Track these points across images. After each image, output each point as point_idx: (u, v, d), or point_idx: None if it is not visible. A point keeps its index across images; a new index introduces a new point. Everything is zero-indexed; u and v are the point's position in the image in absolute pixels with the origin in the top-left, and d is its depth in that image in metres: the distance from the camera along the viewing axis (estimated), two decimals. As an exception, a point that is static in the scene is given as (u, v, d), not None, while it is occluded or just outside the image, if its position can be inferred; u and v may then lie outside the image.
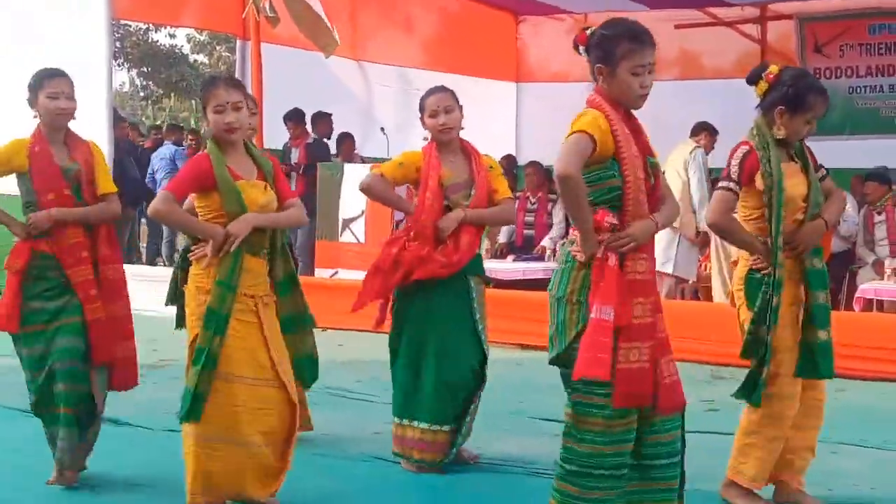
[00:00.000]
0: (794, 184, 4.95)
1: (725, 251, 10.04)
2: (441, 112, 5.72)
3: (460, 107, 5.81)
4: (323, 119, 13.42)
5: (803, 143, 5.10)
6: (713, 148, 10.77)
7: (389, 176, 5.84)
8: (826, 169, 5.19)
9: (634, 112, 4.26)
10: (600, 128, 4.07)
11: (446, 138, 5.76)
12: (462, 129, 5.82)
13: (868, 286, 10.22)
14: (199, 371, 4.67)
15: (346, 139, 13.41)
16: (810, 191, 4.99)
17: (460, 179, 5.74)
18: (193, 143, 15.32)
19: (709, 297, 10.87)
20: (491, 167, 5.86)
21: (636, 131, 4.22)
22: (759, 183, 4.92)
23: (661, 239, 10.38)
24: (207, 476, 4.71)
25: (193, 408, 4.69)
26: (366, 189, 5.93)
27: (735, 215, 5.06)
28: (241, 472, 4.77)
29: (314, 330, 5.28)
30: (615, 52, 4.18)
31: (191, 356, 4.75)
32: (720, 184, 5.03)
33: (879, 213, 11.06)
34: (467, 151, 5.83)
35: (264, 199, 4.87)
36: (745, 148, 5.00)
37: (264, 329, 4.85)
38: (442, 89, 5.83)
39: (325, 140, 13.41)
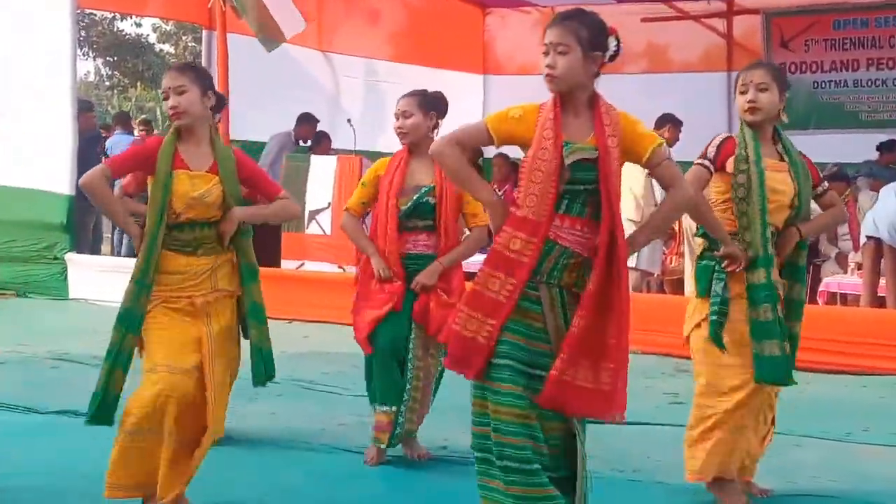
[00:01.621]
0: (773, 178, 4.92)
1: (692, 245, 10.08)
2: (399, 116, 5.70)
3: (430, 113, 5.70)
4: (308, 122, 13.37)
5: (802, 155, 5.10)
6: (678, 139, 10.80)
7: (355, 206, 5.79)
8: (827, 186, 5.20)
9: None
10: (510, 116, 4.04)
11: (401, 141, 5.75)
12: (431, 133, 5.70)
13: (832, 280, 10.30)
14: (107, 371, 4.60)
15: (324, 139, 13.38)
16: (798, 196, 4.95)
17: (415, 183, 5.66)
18: (144, 131, 15.14)
19: (676, 290, 10.91)
20: None
21: (574, 115, 4.04)
22: (729, 166, 4.94)
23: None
24: (126, 466, 4.63)
25: (100, 412, 4.63)
26: (343, 229, 5.89)
27: None
28: (155, 465, 4.63)
29: (266, 325, 5.10)
30: None
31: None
32: (696, 161, 5.01)
33: (841, 210, 11.16)
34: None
35: (197, 192, 4.67)
36: (726, 135, 5.08)
37: (202, 325, 4.71)
38: (409, 94, 5.77)
39: (299, 142, 13.36)
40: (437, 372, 5.78)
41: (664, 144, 4.04)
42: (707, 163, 4.99)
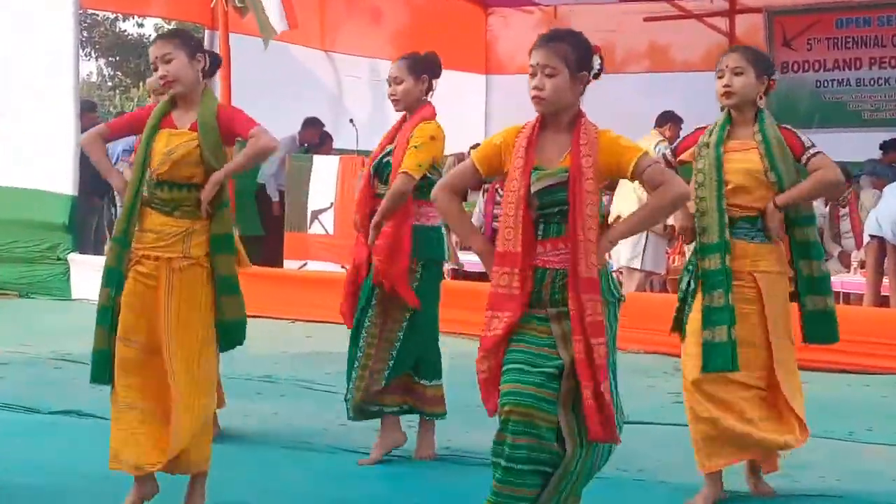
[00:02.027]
0: (734, 159, 4.89)
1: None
2: (391, 82, 5.69)
3: (422, 76, 5.66)
4: (313, 126, 13.38)
5: (784, 129, 4.98)
6: (679, 137, 10.77)
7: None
8: (815, 151, 5.02)
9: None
10: (492, 143, 4.13)
11: (395, 108, 5.73)
12: (424, 99, 5.70)
13: (834, 279, 10.26)
14: (98, 331, 4.61)
15: (326, 139, 13.41)
16: (774, 172, 4.87)
17: (385, 147, 5.69)
18: None
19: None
20: (414, 137, 5.56)
21: (554, 134, 4.06)
22: (686, 156, 5.04)
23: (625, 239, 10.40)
24: (113, 443, 4.64)
25: (97, 370, 4.63)
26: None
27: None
28: (136, 441, 4.61)
29: (236, 294, 4.83)
30: None
31: None
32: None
33: (843, 207, 11.17)
34: (412, 119, 5.67)
35: (167, 146, 4.62)
36: (699, 126, 5.12)
37: (162, 294, 4.61)
38: (400, 58, 5.76)
39: (304, 145, 13.37)
40: (398, 337, 5.64)
41: (647, 154, 4.02)
42: (668, 154, 5.14)
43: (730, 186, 4.87)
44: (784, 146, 4.92)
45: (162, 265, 4.61)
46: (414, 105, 5.65)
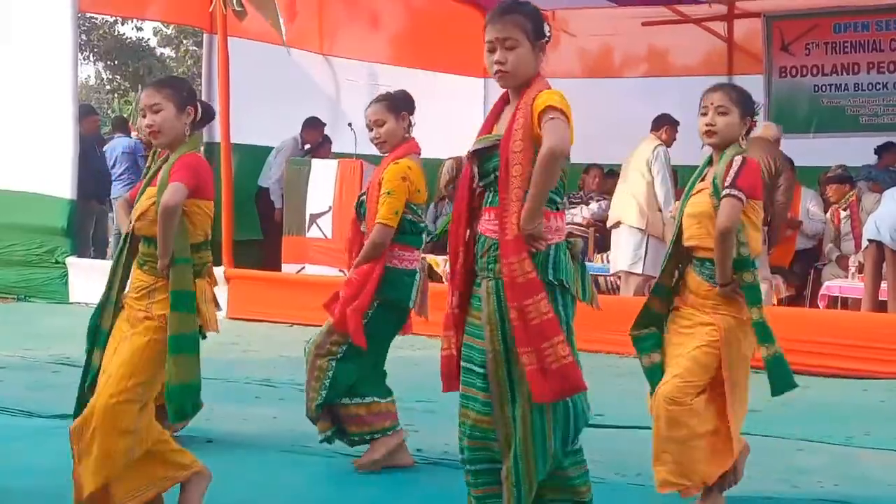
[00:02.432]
0: (694, 203, 4.83)
1: None
2: (373, 126, 5.66)
3: (402, 114, 5.63)
4: (314, 127, 13.39)
5: (733, 161, 4.73)
6: (675, 139, 10.77)
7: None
8: (729, 190, 4.66)
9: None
10: None
11: (381, 150, 5.70)
12: (407, 136, 5.68)
13: (833, 283, 10.30)
14: (80, 381, 4.70)
15: (325, 143, 13.41)
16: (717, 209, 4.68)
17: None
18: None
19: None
20: (385, 182, 5.55)
21: (510, 110, 4.08)
22: None
23: (630, 240, 10.40)
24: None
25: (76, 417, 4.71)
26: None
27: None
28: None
29: (189, 354, 4.57)
30: None
31: None
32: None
33: (845, 210, 11.19)
34: (386, 158, 5.67)
35: (139, 209, 4.61)
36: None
37: (119, 339, 4.57)
38: (375, 101, 5.72)
39: (306, 146, 13.39)
40: (331, 366, 5.69)
41: (552, 109, 3.88)
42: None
43: (689, 232, 4.82)
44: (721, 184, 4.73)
45: (130, 313, 4.59)
46: (399, 145, 5.63)
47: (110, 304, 4.60)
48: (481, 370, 4.05)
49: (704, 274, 4.78)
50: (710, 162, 4.92)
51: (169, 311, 4.50)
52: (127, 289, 4.66)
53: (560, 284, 3.99)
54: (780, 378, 4.78)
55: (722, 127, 4.79)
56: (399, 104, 5.67)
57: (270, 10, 11.91)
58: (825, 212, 11.57)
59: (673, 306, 4.90)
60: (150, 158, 4.85)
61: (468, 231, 4.11)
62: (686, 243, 4.84)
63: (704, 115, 4.84)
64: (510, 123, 3.97)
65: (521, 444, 3.97)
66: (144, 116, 4.64)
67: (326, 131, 13.58)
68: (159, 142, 4.66)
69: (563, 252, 4.01)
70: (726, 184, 4.66)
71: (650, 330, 4.91)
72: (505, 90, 4.15)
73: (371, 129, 5.67)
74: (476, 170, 4.05)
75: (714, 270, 4.72)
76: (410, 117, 5.70)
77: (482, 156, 4.02)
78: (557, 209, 4.05)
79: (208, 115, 4.82)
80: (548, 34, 4.09)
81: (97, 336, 4.62)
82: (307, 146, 13.43)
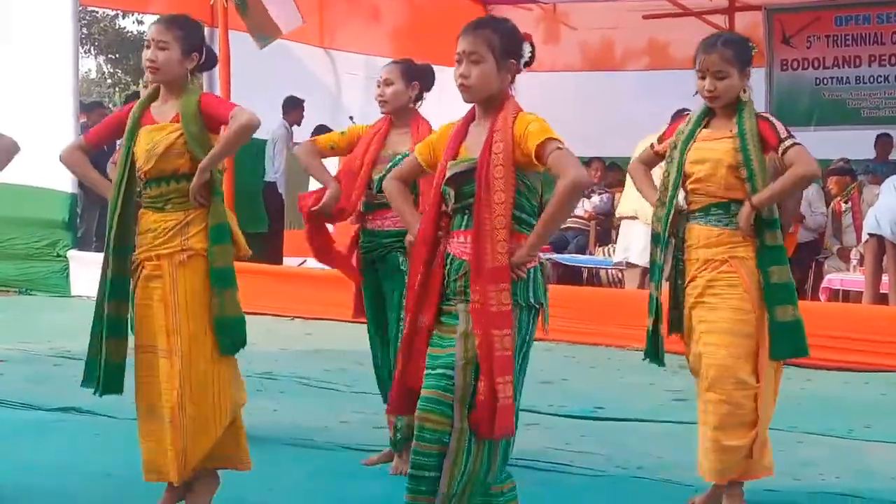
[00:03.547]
0: (702, 148, 4.75)
1: None
2: (381, 84, 5.60)
3: (413, 83, 5.59)
4: (295, 107, 13.40)
5: (762, 120, 4.75)
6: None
7: (323, 143, 5.67)
8: (794, 139, 4.72)
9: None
10: (429, 138, 4.24)
11: (382, 110, 5.61)
12: (413, 104, 5.63)
13: (834, 276, 10.30)
14: (91, 335, 4.56)
15: (325, 133, 13.39)
16: (747, 167, 4.64)
17: (391, 153, 5.51)
18: None
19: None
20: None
21: (480, 131, 3.98)
22: (665, 146, 4.93)
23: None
24: (148, 454, 4.58)
25: (88, 374, 4.59)
26: (296, 155, 5.82)
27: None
28: (162, 450, 4.55)
29: (231, 288, 4.61)
30: None
31: None
32: None
33: (846, 202, 11.19)
34: (414, 126, 5.58)
35: (149, 143, 4.51)
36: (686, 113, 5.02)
37: (168, 291, 4.49)
38: (393, 62, 5.72)
39: (293, 127, 13.42)
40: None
41: (553, 139, 3.83)
42: (655, 144, 5.03)
43: (699, 175, 4.74)
44: (757, 139, 4.70)
45: (164, 262, 4.52)
46: (403, 111, 5.57)
47: (114, 252, 4.53)
48: (445, 371, 3.90)
49: (711, 221, 4.73)
50: (707, 113, 4.85)
51: (211, 244, 4.53)
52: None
53: (537, 306, 3.95)
54: (796, 341, 4.72)
55: (723, 90, 4.73)
56: (414, 73, 5.64)
57: (264, 14, 11.90)
58: (827, 205, 11.57)
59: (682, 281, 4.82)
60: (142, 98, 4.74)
61: (434, 252, 4.00)
62: (692, 185, 4.75)
63: (703, 78, 4.78)
64: (486, 146, 3.88)
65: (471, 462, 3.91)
66: (148, 48, 4.59)
67: (328, 124, 13.57)
68: (155, 78, 4.61)
69: (540, 273, 3.97)
70: (782, 135, 4.68)
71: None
72: (470, 110, 4.06)
73: (378, 86, 5.61)
74: (450, 193, 3.94)
75: (721, 214, 4.70)
76: (423, 91, 5.66)
77: (459, 179, 3.92)
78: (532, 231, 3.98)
79: (210, 61, 4.81)
80: (525, 56, 3.99)
81: (117, 285, 4.53)
82: (294, 126, 13.44)
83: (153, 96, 4.69)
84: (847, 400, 7.51)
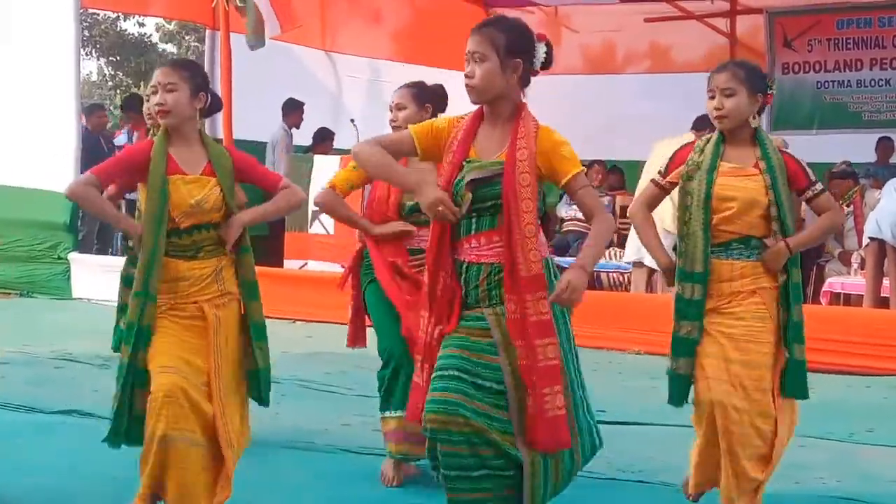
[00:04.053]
0: (727, 185, 4.59)
1: None
2: (393, 108, 5.53)
3: (426, 105, 5.49)
4: (294, 109, 13.39)
5: (788, 157, 4.71)
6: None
7: (342, 186, 5.37)
8: (821, 185, 4.72)
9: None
10: (435, 126, 4.05)
11: None
12: None
13: (835, 280, 10.29)
14: (120, 389, 4.46)
15: (327, 138, 13.36)
16: (777, 205, 4.56)
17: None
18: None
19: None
20: None
21: (493, 127, 3.96)
22: (674, 176, 4.74)
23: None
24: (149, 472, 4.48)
25: (114, 429, 4.49)
26: (318, 205, 5.66)
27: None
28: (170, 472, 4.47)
29: (267, 343, 4.74)
30: None
31: None
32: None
33: (848, 206, 11.19)
34: None
35: (194, 199, 4.47)
36: (686, 142, 4.84)
37: (212, 332, 4.50)
38: (405, 86, 5.60)
39: (292, 129, 13.42)
40: None
41: (584, 172, 3.91)
42: (658, 178, 4.80)
43: (728, 213, 4.58)
44: (785, 175, 4.63)
45: (204, 307, 4.52)
46: None
47: (150, 300, 4.46)
48: (493, 385, 3.86)
49: (733, 255, 4.59)
50: (722, 140, 4.69)
51: (248, 300, 4.64)
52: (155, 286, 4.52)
53: None
54: (805, 382, 4.68)
55: (731, 109, 4.61)
56: (426, 95, 5.57)
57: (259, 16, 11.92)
58: (828, 208, 11.56)
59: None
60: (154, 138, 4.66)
61: (445, 253, 3.94)
62: (723, 227, 4.59)
63: (712, 98, 4.67)
64: (511, 153, 3.84)
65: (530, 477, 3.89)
66: (155, 93, 4.52)
67: (329, 127, 13.58)
68: (166, 122, 4.52)
69: (552, 264, 3.99)
70: (812, 179, 4.67)
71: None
72: (478, 110, 4.01)
73: (391, 111, 5.55)
74: (468, 197, 3.85)
75: (742, 249, 4.58)
76: (437, 112, 5.55)
77: (479, 183, 3.86)
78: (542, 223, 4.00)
79: (216, 105, 4.74)
80: (540, 57, 3.94)
81: (141, 335, 4.45)
82: (294, 129, 13.44)
83: (166, 141, 4.56)
84: (848, 404, 7.51)
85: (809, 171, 4.71)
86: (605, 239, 4.00)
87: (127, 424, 4.49)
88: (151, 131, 5.39)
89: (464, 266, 3.91)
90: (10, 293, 12.11)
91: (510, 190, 3.81)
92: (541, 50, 3.95)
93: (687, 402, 4.75)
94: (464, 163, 3.91)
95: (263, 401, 4.74)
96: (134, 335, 4.44)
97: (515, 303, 3.80)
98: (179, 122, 4.54)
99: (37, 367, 8.07)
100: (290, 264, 11.67)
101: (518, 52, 3.91)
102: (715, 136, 4.72)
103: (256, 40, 12.13)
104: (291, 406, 6.78)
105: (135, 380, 4.46)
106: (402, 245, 5.32)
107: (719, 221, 4.60)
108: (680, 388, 4.78)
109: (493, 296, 3.88)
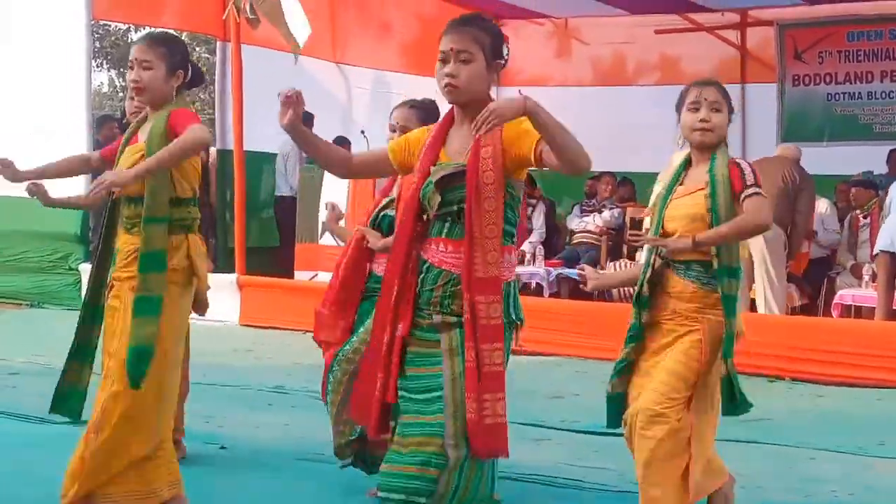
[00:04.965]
0: (679, 205, 4.52)
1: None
2: (399, 130, 5.34)
3: (428, 126, 5.46)
4: (305, 122, 13.37)
5: (733, 165, 4.50)
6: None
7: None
8: (756, 189, 4.44)
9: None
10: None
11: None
12: None
13: (846, 292, 10.27)
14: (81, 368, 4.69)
15: (342, 146, 13.42)
16: (712, 213, 4.41)
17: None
18: None
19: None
20: None
21: (461, 134, 3.86)
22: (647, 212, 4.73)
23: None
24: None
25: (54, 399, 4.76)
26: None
27: None
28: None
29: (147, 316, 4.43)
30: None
31: None
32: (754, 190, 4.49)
33: (865, 217, 11.17)
34: None
35: (128, 161, 4.47)
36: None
37: (121, 316, 4.49)
38: (406, 106, 5.49)
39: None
40: None
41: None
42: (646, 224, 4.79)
43: (676, 234, 4.47)
44: (728, 187, 4.46)
45: (121, 286, 4.52)
46: None
47: (96, 271, 4.59)
48: (424, 396, 3.77)
49: (691, 276, 4.45)
50: (687, 163, 4.66)
51: (139, 272, 4.41)
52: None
53: (518, 322, 3.87)
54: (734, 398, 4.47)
55: (718, 124, 4.55)
56: (428, 116, 5.52)
57: (280, 20, 11.90)
58: (844, 218, 11.53)
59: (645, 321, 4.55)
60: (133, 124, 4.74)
61: (409, 259, 3.83)
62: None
63: (696, 110, 4.60)
64: (475, 151, 3.74)
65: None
66: (132, 68, 4.54)
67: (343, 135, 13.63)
68: (141, 98, 4.57)
69: (516, 289, 3.88)
70: (748, 182, 4.43)
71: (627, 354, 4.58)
72: (448, 114, 3.94)
73: (394, 131, 5.41)
74: (434, 198, 3.76)
75: (701, 272, 4.43)
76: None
77: (443, 185, 3.76)
78: (512, 243, 3.89)
79: (197, 78, 4.71)
80: (505, 58, 3.91)
81: (97, 314, 4.62)
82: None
83: (146, 117, 4.65)
84: (859, 416, 7.49)
85: (749, 176, 4.46)
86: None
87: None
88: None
89: (425, 265, 3.82)
90: (21, 304, 12.15)
91: (473, 190, 3.70)
92: (505, 52, 3.94)
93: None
94: (432, 167, 3.82)
95: (132, 381, 4.42)
96: (92, 313, 4.78)
97: (468, 303, 3.68)
98: (153, 100, 4.55)
99: (48, 377, 8.01)
100: (301, 275, 11.67)
101: (499, 53, 3.87)
102: (680, 162, 4.67)
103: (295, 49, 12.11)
104: (302, 417, 6.79)
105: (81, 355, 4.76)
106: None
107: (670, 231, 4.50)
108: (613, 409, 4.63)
109: (444, 304, 3.77)
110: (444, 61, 3.83)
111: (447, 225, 3.81)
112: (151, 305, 4.41)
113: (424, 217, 3.85)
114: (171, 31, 4.78)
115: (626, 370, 4.56)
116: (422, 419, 3.75)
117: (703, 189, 4.48)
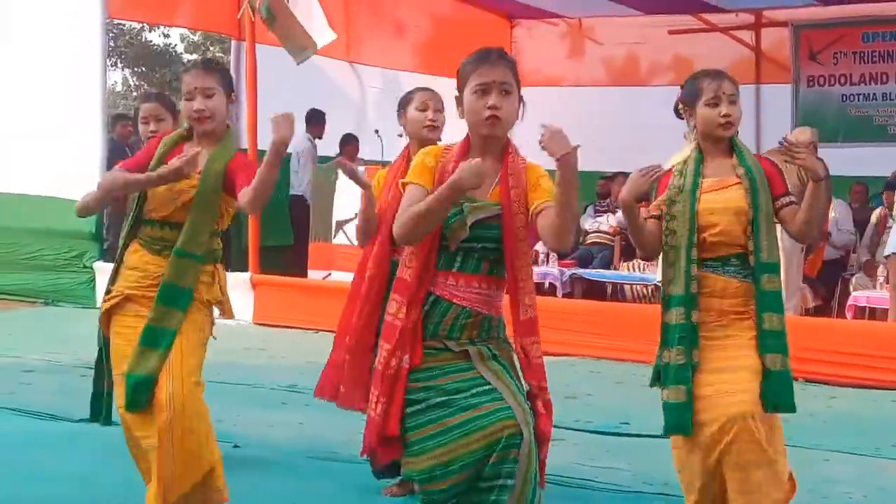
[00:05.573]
0: (713, 201, 4.42)
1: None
2: (432, 110, 5.33)
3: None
4: (318, 120, 13.45)
5: (765, 161, 4.52)
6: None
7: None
8: (793, 197, 4.46)
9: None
10: (426, 165, 3.80)
11: (432, 135, 5.28)
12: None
13: (860, 294, 10.24)
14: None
15: (351, 142, 13.43)
16: (753, 213, 4.35)
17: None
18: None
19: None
20: None
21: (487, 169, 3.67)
22: (653, 207, 4.57)
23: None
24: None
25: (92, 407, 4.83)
26: None
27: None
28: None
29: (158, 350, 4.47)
30: (462, 75, 3.81)
31: None
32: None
33: (893, 218, 11.11)
34: None
35: (172, 188, 4.40)
36: (662, 172, 4.53)
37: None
38: (430, 90, 5.47)
39: (316, 140, 13.49)
40: None
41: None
42: (645, 212, 4.61)
43: (716, 230, 4.39)
44: (765, 179, 4.41)
45: (143, 310, 4.50)
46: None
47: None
48: (474, 391, 3.69)
49: (729, 272, 4.39)
50: (701, 157, 4.54)
51: (158, 303, 4.40)
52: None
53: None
54: (783, 393, 4.39)
55: (738, 117, 4.51)
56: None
57: (296, 27, 11.91)
58: (861, 220, 11.47)
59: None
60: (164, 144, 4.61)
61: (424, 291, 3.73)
62: (711, 239, 4.39)
63: (715, 105, 4.53)
64: (506, 193, 3.69)
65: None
66: (191, 99, 4.42)
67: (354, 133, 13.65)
68: (207, 128, 4.45)
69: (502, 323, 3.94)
70: (788, 189, 4.46)
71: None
72: (464, 142, 3.82)
73: (425, 110, 5.30)
74: (462, 233, 3.66)
75: (738, 267, 4.36)
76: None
77: (477, 222, 3.70)
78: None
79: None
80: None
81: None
82: (317, 140, 13.51)
83: (186, 136, 4.56)
84: (874, 418, 7.47)
85: (786, 180, 4.50)
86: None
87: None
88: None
89: (431, 298, 3.74)
90: (35, 302, 12.18)
91: (510, 233, 3.69)
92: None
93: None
94: (464, 204, 3.68)
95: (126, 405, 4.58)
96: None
97: (518, 343, 3.81)
98: (219, 126, 4.49)
99: (62, 375, 8.10)
100: (314, 275, 11.69)
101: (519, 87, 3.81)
102: (694, 154, 4.58)
103: (299, 52, 12.11)
104: (316, 416, 6.79)
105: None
106: None
107: (716, 234, 4.41)
108: (679, 416, 4.41)
109: (453, 335, 3.73)
110: (486, 92, 3.70)
111: (459, 259, 3.73)
112: (164, 338, 4.44)
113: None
114: (213, 59, 4.66)
115: (685, 375, 4.37)
116: (483, 409, 3.65)
117: (738, 183, 4.42)
